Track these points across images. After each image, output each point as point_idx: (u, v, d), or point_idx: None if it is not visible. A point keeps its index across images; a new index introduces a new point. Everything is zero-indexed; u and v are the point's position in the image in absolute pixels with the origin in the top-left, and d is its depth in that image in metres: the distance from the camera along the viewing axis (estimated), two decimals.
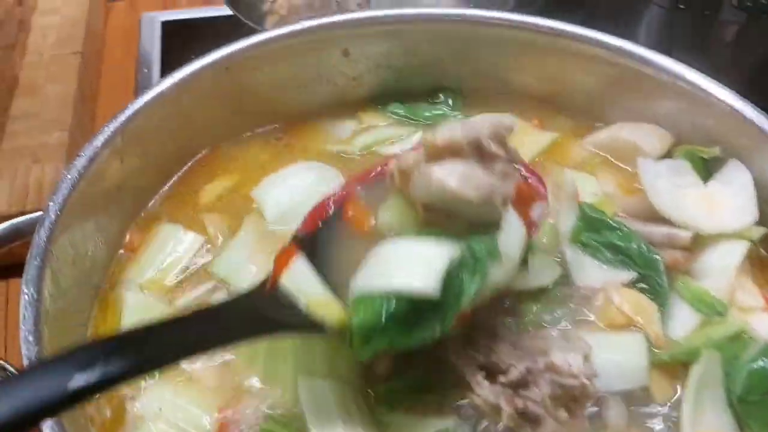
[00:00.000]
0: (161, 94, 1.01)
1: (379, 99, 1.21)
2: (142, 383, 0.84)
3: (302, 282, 0.78)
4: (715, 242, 0.95)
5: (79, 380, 0.55)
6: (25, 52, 1.48)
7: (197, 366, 0.86)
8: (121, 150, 0.98)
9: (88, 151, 0.93)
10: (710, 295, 0.90)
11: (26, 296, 0.76)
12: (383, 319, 0.71)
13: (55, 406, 0.55)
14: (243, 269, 0.95)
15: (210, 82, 1.07)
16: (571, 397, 0.80)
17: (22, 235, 0.94)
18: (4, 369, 1.02)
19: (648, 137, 1.08)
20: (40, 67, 1.44)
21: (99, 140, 0.94)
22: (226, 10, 1.50)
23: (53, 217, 0.85)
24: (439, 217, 0.79)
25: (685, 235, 0.94)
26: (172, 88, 1.02)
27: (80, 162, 0.92)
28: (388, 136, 1.16)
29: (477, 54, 1.18)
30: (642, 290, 0.91)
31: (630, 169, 1.09)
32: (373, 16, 1.15)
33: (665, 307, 0.89)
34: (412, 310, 0.72)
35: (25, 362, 0.70)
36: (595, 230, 0.95)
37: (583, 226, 0.95)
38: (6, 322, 1.18)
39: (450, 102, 1.21)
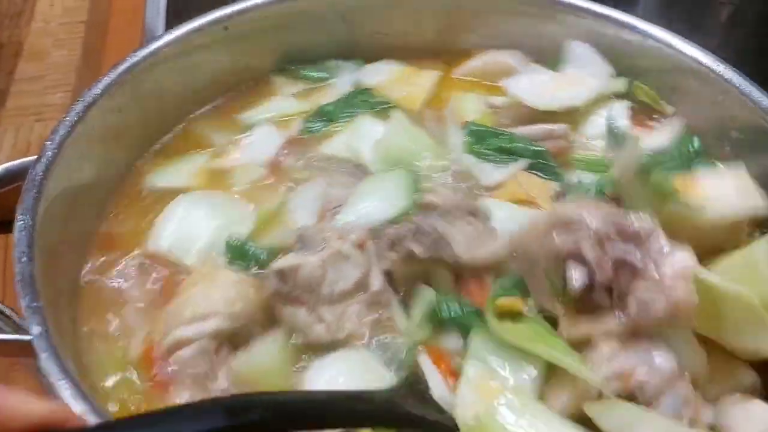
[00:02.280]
0: (164, 46, 1.05)
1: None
2: None
3: None
4: (593, 110, 1.11)
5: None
6: (32, 20, 1.51)
7: None
8: (120, 101, 1.00)
9: (87, 97, 0.96)
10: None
11: (21, 222, 0.79)
12: None
13: None
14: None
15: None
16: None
17: (15, 179, 0.92)
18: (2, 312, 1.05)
19: (513, 56, 1.21)
20: (46, 34, 1.47)
21: (98, 88, 0.97)
22: None
23: (50, 154, 0.88)
24: None
25: (559, 127, 1.07)
26: (170, 42, 1.05)
27: (78, 107, 0.94)
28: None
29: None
30: (538, 175, 1.04)
31: (502, 86, 1.17)
32: None
33: (562, 182, 1.02)
34: None
35: (18, 279, 0.72)
36: (482, 141, 1.06)
37: (471, 140, 1.07)
38: (4, 274, 1.20)
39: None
